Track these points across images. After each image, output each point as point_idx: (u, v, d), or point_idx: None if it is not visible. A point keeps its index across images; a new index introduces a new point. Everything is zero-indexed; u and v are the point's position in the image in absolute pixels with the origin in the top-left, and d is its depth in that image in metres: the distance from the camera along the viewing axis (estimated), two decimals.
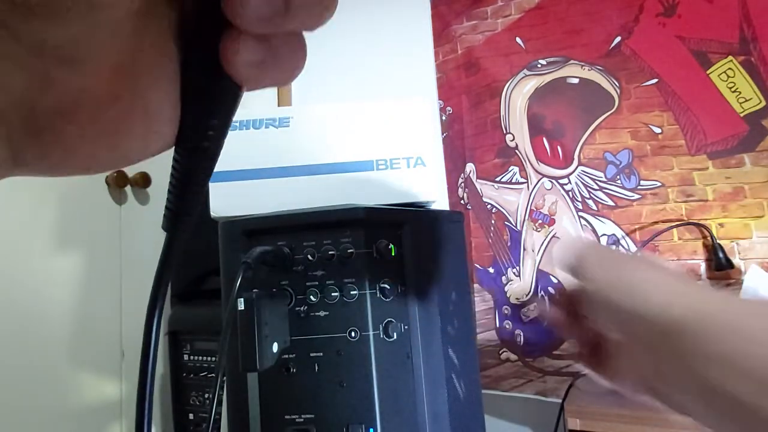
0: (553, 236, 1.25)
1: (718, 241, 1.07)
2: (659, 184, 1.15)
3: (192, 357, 1.14)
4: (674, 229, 1.13)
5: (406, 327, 0.61)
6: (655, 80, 1.16)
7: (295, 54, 0.18)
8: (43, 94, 0.15)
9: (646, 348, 0.32)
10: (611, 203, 1.19)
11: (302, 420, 0.59)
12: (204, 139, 0.19)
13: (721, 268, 1.05)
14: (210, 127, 0.19)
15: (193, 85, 0.18)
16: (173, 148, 0.20)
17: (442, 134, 1.40)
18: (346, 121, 0.72)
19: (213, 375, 1.09)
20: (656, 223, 1.15)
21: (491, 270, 1.31)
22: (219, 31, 0.16)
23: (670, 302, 0.31)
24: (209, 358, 1.12)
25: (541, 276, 1.25)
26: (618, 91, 1.20)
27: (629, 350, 0.35)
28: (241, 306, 0.51)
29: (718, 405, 0.29)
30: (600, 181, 1.21)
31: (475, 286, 1.32)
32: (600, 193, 1.20)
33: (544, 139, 1.27)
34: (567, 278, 0.38)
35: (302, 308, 0.60)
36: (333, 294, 0.60)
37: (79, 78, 0.15)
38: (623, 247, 1.17)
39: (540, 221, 1.27)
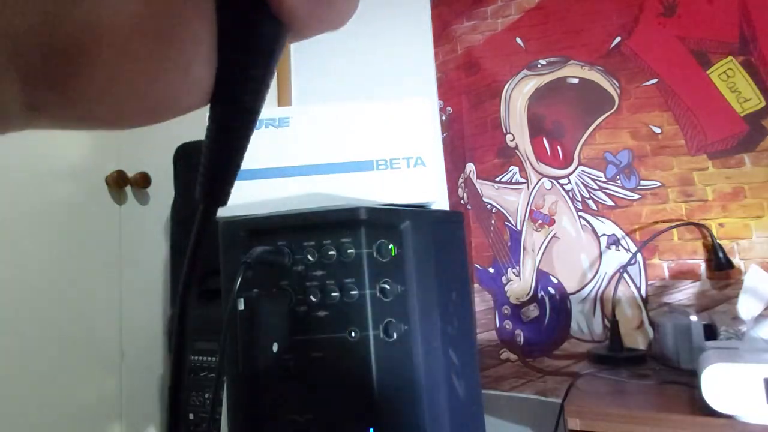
0: (553, 236, 1.25)
1: (718, 241, 1.07)
2: (659, 184, 1.15)
3: (192, 357, 1.14)
4: (674, 229, 1.13)
5: (406, 327, 0.61)
6: (655, 80, 1.16)
7: None
8: (66, 20, 0.13)
9: None
10: (611, 203, 1.19)
11: (302, 420, 0.59)
12: (244, 91, 0.17)
13: (721, 268, 1.05)
14: (249, 77, 0.17)
15: (232, 26, 0.16)
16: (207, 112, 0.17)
17: (442, 134, 1.40)
18: (346, 121, 0.72)
19: (213, 375, 1.09)
20: (656, 223, 1.15)
21: (491, 270, 1.31)
22: None
23: None
24: (209, 358, 1.12)
25: (541, 276, 1.25)
26: (618, 91, 1.20)
27: None
28: (241, 306, 0.51)
29: None
30: (600, 181, 1.21)
31: (475, 286, 1.32)
32: (600, 193, 1.20)
33: (544, 139, 1.27)
34: None
35: (302, 308, 0.60)
36: (333, 294, 0.60)
37: (104, 6, 0.13)
38: (623, 247, 1.17)
39: (540, 221, 1.27)
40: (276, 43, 0.16)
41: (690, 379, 0.86)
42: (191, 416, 1.13)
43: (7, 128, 0.15)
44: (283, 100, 1.55)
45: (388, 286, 0.61)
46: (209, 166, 0.18)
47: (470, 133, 1.36)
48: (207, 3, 0.15)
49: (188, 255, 0.19)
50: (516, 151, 1.30)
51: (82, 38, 0.13)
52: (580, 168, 1.23)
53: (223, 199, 0.19)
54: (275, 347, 0.54)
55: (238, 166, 0.19)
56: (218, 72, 0.16)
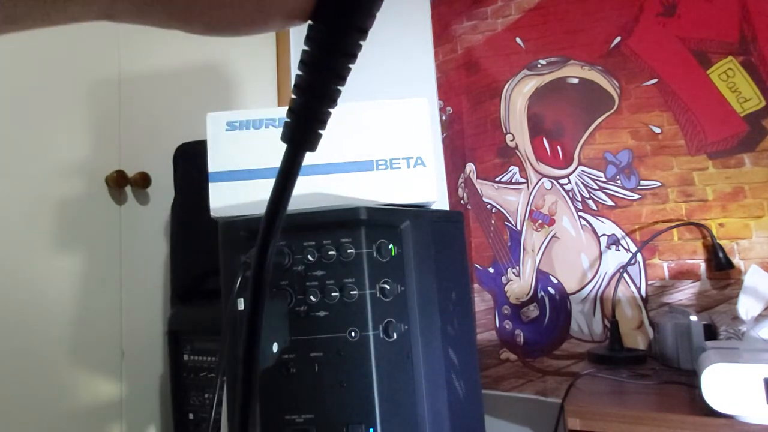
0: (553, 236, 1.25)
1: (718, 241, 1.07)
2: (659, 184, 1.15)
3: (192, 357, 1.14)
4: (674, 229, 1.13)
5: (406, 327, 0.61)
6: (655, 80, 1.16)
7: None
8: None
9: None
10: (611, 203, 1.19)
11: (302, 420, 0.59)
12: (351, 8, 0.14)
13: (721, 268, 1.05)
14: None
15: None
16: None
17: (442, 134, 1.40)
18: (346, 121, 0.72)
19: (213, 375, 1.09)
20: (656, 223, 1.15)
21: (491, 270, 1.31)
22: None
23: None
24: (209, 358, 1.12)
25: (541, 276, 1.25)
26: (618, 91, 1.20)
27: None
28: (241, 306, 0.50)
29: None
30: (600, 181, 1.21)
31: (475, 286, 1.32)
32: (600, 193, 1.20)
33: (544, 139, 1.27)
34: None
35: (302, 308, 0.60)
36: (333, 294, 0.60)
37: None
38: (623, 247, 1.17)
39: (540, 221, 1.27)
40: None
41: (690, 379, 0.86)
42: (191, 416, 1.13)
43: (88, 14, 0.13)
44: (283, 100, 1.55)
45: (388, 286, 0.61)
46: (302, 98, 0.15)
47: (470, 133, 1.36)
48: None
49: (270, 205, 0.16)
50: (516, 151, 1.30)
51: None
52: (580, 168, 1.23)
53: (312, 143, 0.16)
54: (275, 347, 0.54)
55: (334, 102, 0.16)
56: None
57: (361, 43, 0.15)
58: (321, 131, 0.16)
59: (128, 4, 0.13)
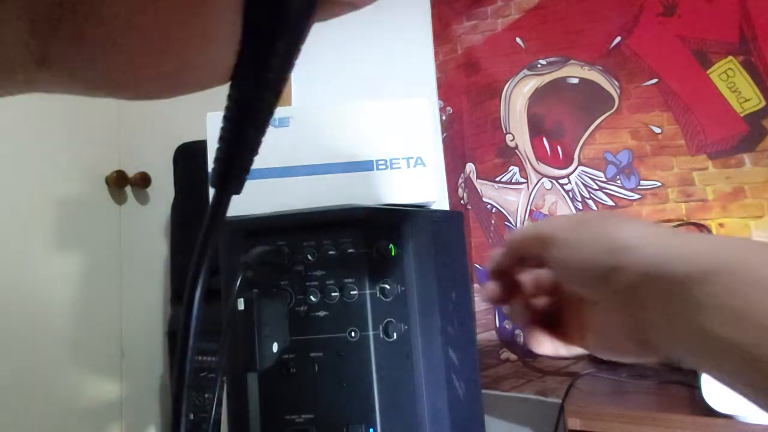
0: None
1: None
2: (659, 184, 1.15)
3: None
4: None
5: (406, 327, 0.61)
6: (655, 80, 1.16)
7: None
8: None
9: (641, 304, 0.28)
10: (611, 203, 1.19)
11: (302, 420, 0.59)
12: (268, 68, 0.16)
13: None
14: (275, 51, 0.16)
15: None
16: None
17: (442, 134, 1.40)
18: (346, 121, 0.72)
19: (213, 375, 1.09)
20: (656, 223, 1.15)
21: None
22: None
23: (670, 254, 0.27)
24: (209, 358, 1.12)
25: None
26: (618, 91, 1.20)
27: (607, 309, 0.31)
28: (241, 306, 0.51)
29: (732, 361, 0.24)
30: (600, 181, 1.21)
31: (475, 286, 1.32)
32: (600, 193, 1.20)
33: (544, 139, 1.27)
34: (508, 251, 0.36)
35: (302, 308, 0.60)
36: (333, 294, 0.60)
37: None
38: None
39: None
40: (305, 18, 0.15)
41: (690, 379, 0.86)
42: (191, 416, 1.13)
43: (12, 86, 0.14)
44: (283, 100, 1.55)
45: (388, 286, 0.61)
46: (225, 149, 0.17)
47: (470, 133, 1.36)
48: None
49: (198, 247, 0.19)
50: (516, 151, 1.30)
51: None
52: (580, 168, 1.23)
53: (237, 186, 0.18)
54: (275, 347, 0.54)
55: (255, 150, 0.18)
56: (242, 45, 0.15)
57: (276, 100, 0.17)
58: (245, 175, 0.18)
59: (59, 73, 0.14)
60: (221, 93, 0.18)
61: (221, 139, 0.17)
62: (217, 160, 0.18)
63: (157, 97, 0.17)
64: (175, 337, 1.16)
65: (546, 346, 0.36)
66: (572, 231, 0.31)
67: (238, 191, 0.18)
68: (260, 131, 0.17)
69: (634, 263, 0.28)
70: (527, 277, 0.37)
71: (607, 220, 0.31)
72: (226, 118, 0.17)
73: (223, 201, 0.18)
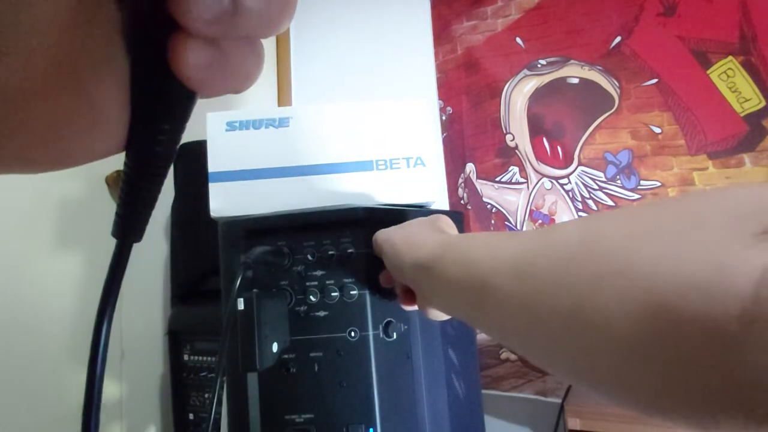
0: None
1: None
2: (659, 184, 1.15)
3: (192, 357, 1.14)
4: None
5: (406, 327, 0.61)
6: (655, 80, 1.16)
7: (246, 60, 0.17)
8: None
9: (413, 285, 0.46)
10: (611, 203, 1.19)
11: (302, 420, 0.59)
12: (154, 143, 0.18)
13: None
14: (161, 131, 0.18)
15: (142, 87, 0.17)
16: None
17: (442, 134, 1.40)
18: (346, 121, 0.72)
19: (213, 375, 1.09)
20: None
21: None
22: (167, 32, 0.15)
23: (417, 253, 0.43)
24: (209, 358, 1.12)
25: None
26: (618, 91, 1.20)
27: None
28: (241, 306, 0.51)
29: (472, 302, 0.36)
30: (600, 181, 1.21)
31: None
32: (600, 193, 1.20)
33: (544, 139, 1.27)
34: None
35: (302, 308, 0.60)
36: (333, 294, 0.60)
37: (4, 70, 0.14)
38: None
39: (540, 221, 1.27)
40: (183, 103, 0.18)
41: None
42: (191, 416, 1.13)
43: None
44: (283, 100, 1.55)
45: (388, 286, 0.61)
46: (124, 206, 0.20)
47: (470, 133, 1.36)
48: (120, 69, 0.16)
49: (104, 288, 0.22)
50: (516, 151, 1.30)
51: None
52: (580, 168, 1.23)
53: (137, 236, 0.21)
54: (275, 347, 0.54)
55: (152, 206, 0.20)
56: (131, 125, 0.18)
57: (167, 165, 0.20)
58: (144, 226, 0.21)
59: None
60: None
61: (120, 197, 0.20)
62: (117, 215, 0.20)
63: (59, 168, 0.19)
64: (176, 337, 1.16)
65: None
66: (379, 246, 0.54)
67: (138, 240, 0.21)
68: (154, 190, 0.20)
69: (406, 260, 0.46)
70: None
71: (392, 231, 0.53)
72: (123, 180, 0.19)
73: (124, 251, 0.21)
